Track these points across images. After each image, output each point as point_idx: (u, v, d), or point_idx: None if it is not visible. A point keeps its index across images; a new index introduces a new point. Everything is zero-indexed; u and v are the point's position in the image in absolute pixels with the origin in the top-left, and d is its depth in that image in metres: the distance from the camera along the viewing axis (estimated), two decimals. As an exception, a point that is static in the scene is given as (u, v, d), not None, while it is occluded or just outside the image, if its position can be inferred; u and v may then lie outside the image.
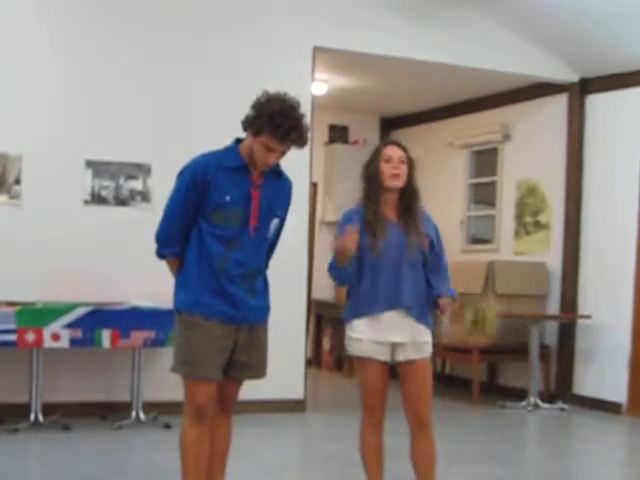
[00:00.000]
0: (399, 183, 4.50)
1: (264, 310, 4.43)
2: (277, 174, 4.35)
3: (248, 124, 4.15)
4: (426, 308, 4.58)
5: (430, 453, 4.57)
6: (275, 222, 4.36)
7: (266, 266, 4.49)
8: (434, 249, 4.60)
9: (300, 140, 4.16)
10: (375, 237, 4.46)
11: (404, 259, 4.48)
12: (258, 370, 4.41)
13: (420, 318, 4.53)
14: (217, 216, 4.17)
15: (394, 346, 4.48)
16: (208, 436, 4.33)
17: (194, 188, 4.17)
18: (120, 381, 7.74)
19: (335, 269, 4.46)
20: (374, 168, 4.53)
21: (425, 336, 4.54)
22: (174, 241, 4.28)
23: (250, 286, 4.29)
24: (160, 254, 4.36)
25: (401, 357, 4.49)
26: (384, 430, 4.65)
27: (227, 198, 4.16)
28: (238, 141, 4.31)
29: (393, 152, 4.54)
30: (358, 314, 4.52)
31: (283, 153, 4.18)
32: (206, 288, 4.20)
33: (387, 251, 4.46)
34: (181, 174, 4.28)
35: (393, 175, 4.49)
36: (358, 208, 4.58)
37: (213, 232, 4.19)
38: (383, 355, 4.49)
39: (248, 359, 4.33)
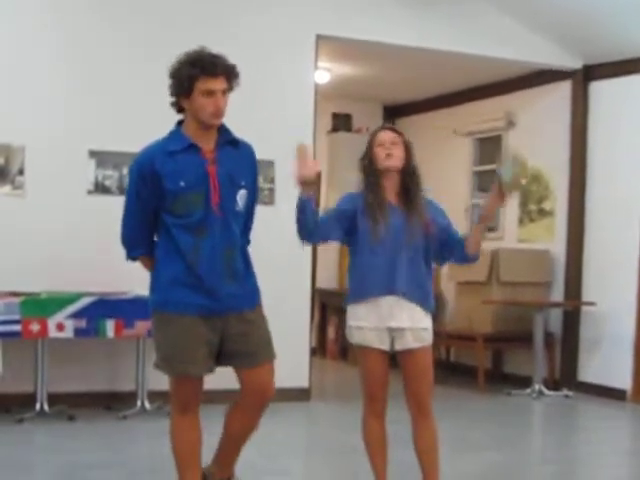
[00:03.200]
0: (392, 163, 4.47)
1: (250, 295, 4.23)
2: (233, 143, 4.16)
3: (177, 89, 4.01)
4: (427, 293, 4.57)
5: (432, 440, 4.58)
6: (242, 193, 4.13)
7: (247, 242, 4.32)
8: (444, 227, 4.59)
9: (230, 67, 4.01)
10: (376, 221, 4.45)
11: (403, 243, 4.46)
12: (262, 355, 4.22)
13: (419, 301, 4.50)
14: (177, 205, 4.00)
15: (393, 333, 4.47)
16: (197, 425, 4.25)
17: (144, 183, 4.03)
18: (125, 371, 7.75)
19: (298, 214, 4.29)
20: (369, 155, 4.53)
21: (424, 322, 4.52)
22: (139, 241, 4.18)
23: (229, 270, 4.09)
24: (130, 257, 4.26)
25: (401, 346, 4.48)
26: (387, 418, 4.65)
27: (182, 184, 3.98)
28: (179, 124, 4.18)
29: (385, 135, 4.53)
30: (357, 299, 4.52)
31: (224, 92, 4.00)
32: (178, 284, 4.05)
33: (387, 236, 4.45)
34: (129, 172, 4.16)
35: (386, 155, 4.48)
36: (359, 194, 4.55)
37: (178, 223, 4.02)
38: (383, 344, 4.48)
39: (245, 347, 4.17)
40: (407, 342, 4.48)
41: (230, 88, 4.06)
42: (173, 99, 4.10)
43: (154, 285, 4.18)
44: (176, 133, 4.13)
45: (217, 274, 4.06)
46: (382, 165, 4.49)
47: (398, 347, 4.49)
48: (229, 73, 4.01)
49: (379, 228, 4.43)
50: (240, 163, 4.17)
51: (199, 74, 3.93)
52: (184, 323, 4.06)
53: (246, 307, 4.18)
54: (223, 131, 4.15)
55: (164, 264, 4.10)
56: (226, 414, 4.35)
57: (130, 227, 4.17)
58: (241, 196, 4.14)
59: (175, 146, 4.05)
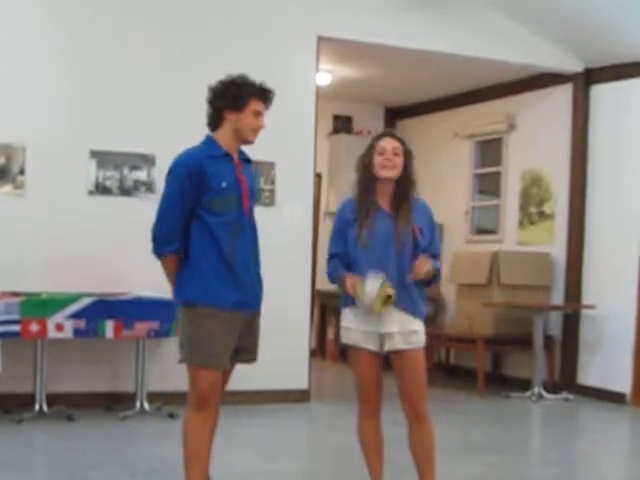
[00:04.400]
0: (389, 173, 4.52)
1: (261, 295, 4.56)
2: (248, 161, 4.58)
3: (229, 102, 4.39)
4: (416, 300, 4.57)
5: (428, 443, 4.59)
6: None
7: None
8: (424, 237, 4.58)
9: (272, 99, 4.51)
10: (362, 227, 4.49)
11: (391, 249, 4.48)
12: (253, 354, 4.54)
13: (407, 308, 4.51)
14: (216, 203, 4.32)
15: (382, 336, 4.50)
16: (213, 423, 4.41)
17: (190, 181, 4.31)
18: (124, 371, 7.75)
19: (331, 281, 4.66)
20: (367, 160, 4.57)
21: (414, 325, 4.53)
22: (174, 239, 4.36)
23: (256, 270, 4.47)
24: (158, 252, 4.41)
25: (389, 347, 4.50)
26: (383, 419, 4.66)
27: (223, 184, 4.32)
28: (211, 133, 4.51)
29: (387, 144, 4.56)
30: (348, 302, 4.56)
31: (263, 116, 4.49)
32: (217, 279, 4.31)
33: (374, 241, 4.49)
34: (172, 171, 4.40)
35: (383, 166, 4.51)
36: (350, 200, 4.65)
37: (216, 221, 4.31)
38: (372, 344, 4.52)
39: (247, 344, 4.47)
40: (395, 343, 4.50)
41: None
42: (213, 110, 4.46)
43: (192, 278, 4.34)
44: (212, 142, 4.46)
45: (249, 272, 4.40)
46: (380, 175, 4.53)
47: (387, 348, 4.52)
48: (271, 102, 4.52)
49: (364, 233, 4.47)
50: (253, 180, 4.67)
51: (257, 95, 4.42)
52: (221, 318, 4.30)
53: (257, 306, 4.52)
54: (240, 150, 4.55)
55: (203, 259, 4.32)
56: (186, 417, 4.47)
57: (169, 223, 4.36)
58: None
59: (215, 152, 4.40)
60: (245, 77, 4.46)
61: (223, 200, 4.33)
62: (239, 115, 4.39)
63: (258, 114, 4.42)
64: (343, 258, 4.59)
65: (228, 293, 4.31)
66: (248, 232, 4.43)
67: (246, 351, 4.48)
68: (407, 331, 4.51)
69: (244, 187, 4.42)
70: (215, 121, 4.46)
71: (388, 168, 4.51)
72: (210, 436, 4.42)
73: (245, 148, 4.59)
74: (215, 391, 4.36)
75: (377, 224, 4.50)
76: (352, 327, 4.54)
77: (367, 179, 4.56)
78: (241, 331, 4.40)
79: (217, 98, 4.43)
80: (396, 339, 4.49)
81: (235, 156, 4.47)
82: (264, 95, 4.45)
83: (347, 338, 4.60)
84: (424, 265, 4.43)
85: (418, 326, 4.55)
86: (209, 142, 4.45)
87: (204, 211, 4.32)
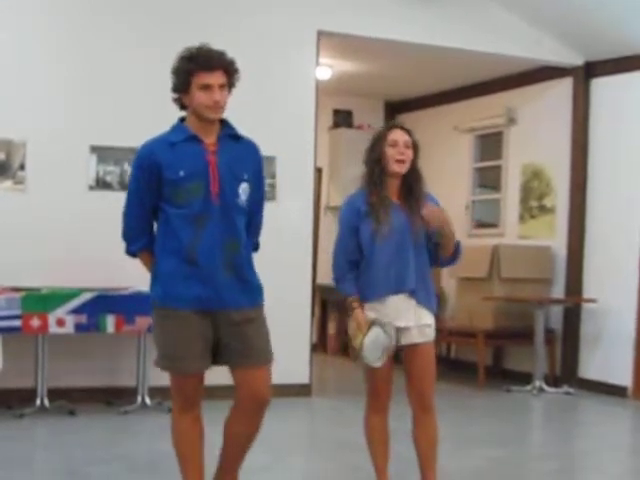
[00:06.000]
0: (403, 169, 4.49)
1: (250, 292, 4.14)
2: (235, 138, 4.16)
3: (177, 86, 4.06)
4: (431, 291, 4.58)
5: (432, 436, 4.60)
6: (244, 187, 4.10)
7: (254, 245, 4.29)
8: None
9: (227, 62, 4.04)
10: (380, 222, 4.44)
11: (408, 243, 4.47)
12: (257, 356, 4.11)
13: (424, 301, 4.53)
14: (177, 195, 3.99)
15: (399, 330, 4.49)
16: (199, 424, 4.21)
17: (143, 174, 4.05)
18: (125, 366, 7.76)
19: (341, 289, 4.55)
20: (378, 152, 4.50)
21: (428, 319, 4.55)
22: (139, 234, 4.16)
23: (229, 262, 4.04)
24: (129, 252, 4.25)
25: (405, 341, 4.50)
26: (389, 414, 4.66)
27: (181, 173, 3.98)
28: (182, 120, 4.20)
29: (399, 136, 4.51)
30: (363, 299, 4.51)
31: (222, 87, 4.02)
32: (176, 276, 4.02)
33: (392, 235, 4.45)
34: (132, 164, 4.20)
35: (397, 160, 4.47)
36: (360, 193, 4.57)
37: (178, 213, 4.00)
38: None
39: (241, 345, 4.07)
40: (412, 337, 4.50)
41: (230, 84, 4.08)
42: (175, 96, 4.14)
43: (154, 277, 4.16)
44: (178, 126, 4.16)
45: (215, 264, 4.01)
46: (393, 169, 4.48)
47: (403, 342, 4.50)
48: (226, 68, 4.03)
49: (383, 228, 4.43)
50: (242, 157, 4.14)
51: (195, 69, 3.98)
52: (181, 318, 4.02)
53: (246, 304, 4.10)
54: (225, 126, 4.15)
55: (163, 257, 4.08)
56: (225, 420, 4.26)
57: (130, 219, 4.16)
58: (243, 190, 4.10)
59: (176, 137, 4.08)
60: (187, 50, 4.04)
61: (184, 190, 3.97)
62: (189, 96, 4.02)
63: (206, 87, 3.96)
64: (356, 263, 4.52)
65: (187, 291, 3.99)
66: (219, 221, 4.00)
67: (239, 354, 4.07)
68: (422, 325, 4.51)
69: (212, 170, 4.00)
70: (181, 107, 4.15)
71: (402, 163, 4.47)
72: (199, 437, 4.21)
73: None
74: (194, 394, 4.14)
75: (393, 218, 4.47)
76: None
77: (378, 173, 4.49)
78: (221, 331, 4.05)
79: (172, 83, 4.09)
80: (413, 333, 4.49)
81: (208, 138, 4.06)
82: (204, 64, 3.97)
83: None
84: (436, 210, 4.43)
85: (431, 320, 4.56)
86: (175, 128, 4.14)
87: (166, 204, 4.02)
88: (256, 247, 4.32)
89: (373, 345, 4.34)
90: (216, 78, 3.99)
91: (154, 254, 4.14)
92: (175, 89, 4.10)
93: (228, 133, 4.14)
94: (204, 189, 4.00)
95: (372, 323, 4.37)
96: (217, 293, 4.02)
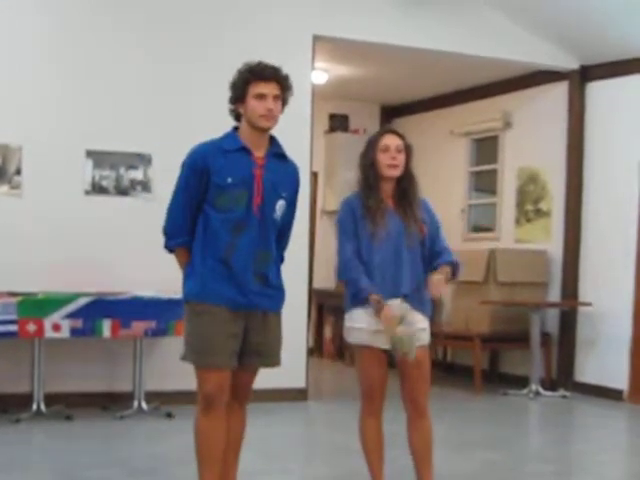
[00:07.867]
0: (396, 173, 4.52)
1: (276, 298, 4.40)
2: (282, 157, 4.39)
3: (233, 96, 4.28)
4: (425, 298, 4.59)
5: (427, 440, 4.61)
6: (281, 204, 4.34)
7: (280, 258, 4.49)
8: (432, 236, 4.60)
9: (281, 75, 4.28)
10: (376, 225, 4.46)
11: (403, 247, 4.49)
12: (271, 358, 4.39)
13: (418, 306, 4.54)
14: (221, 199, 4.21)
15: None
16: (223, 425, 4.29)
17: (194, 175, 4.23)
18: (122, 371, 7.75)
19: (351, 289, 4.53)
20: (371, 157, 4.54)
21: (422, 323, 4.55)
22: (180, 232, 4.31)
23: (259, 271, 4.28)
24: (168, 246, 4.38)
25: None
26: (384, 418, 4.67)
27: (229, 180, 4.20)
28: (236, 129, 4.36)
29: (390, 141, 4.54)
30: (358, 303, 4.52)
31: (276, 98, 4.25)
32: (212, 275, 4.22)
33: (387, 239, 4.47)
34: (182, 165, 4.33)
35: (389, 165, 4.50)
36: (356, 195, 4.59)
37: (220, 217, 4.21)
38: (382, 343, 4.49)
39: (261, 347, 4.32)
40: None
41: (283, 98, 4.33)
42: (231, 107, 4.34)
43: (191, 274, 4.30)
44: (231, 135, 4.35)
45: (247, 270, 4.24)
46: (385, 173, 4.51)
47: None
48: (281, 81, 4.29)
49: (379, 231, 4.45)
50: (284, 176, 4.38)
51: (252, 78, 4.24)
52: (217, 314, 4.21)
53: (270, 309, 4.35)
54: (274, 144, 4.38)
55: (201, 254, 4.25)
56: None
57: (174, 216, 4.33)
58: (280, 206, 4.35)
59: (229, 145, 4.28)
60: (246, 64, 4.32)
61: (228, 196, 4.20)
62: (244, 105, 4.25)
63: (261, 96, 4.20)
64: (359, 256, 4.52)
65: (223, 290, 4.20)
66: (256, 231, 4.24)
67: (259, 354, 4.32)
68: (417, 329, 4.51)
69: (257, 182, 4.24)
70: (236, 118, 4.35)
71: (395, 167, 4.50)
72: (221, 439, 4.29)
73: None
74: (220, 391, 4.23)
75: (389, 222, 4.49)
76: (363, 327, 4.50)
77: (372, 178, 4.53)
78: (248, 331, 4.27)
79: (230, 97, 4.32)
80: None
81: (258, 152, 4.29)
82: (260, 74, 4.24)
83: (355, 338, 4.56)
84: (439, 284, 4.44)
85: (425, 324, 4.58)
86: (229, 135, 4.33)
87: (209, 206, 4.23)
88: (282, 260, 4.53)
89: (409, 339, 4.38)
90: (270, 88, 4.24)
91: (190, 252, 4.31)
92: (232, 100, 4.31)
93: (276, 151, 4.37)
94: (247, 199, 4.23)
95: (401, 318, 4.40)
96: (247, 297, 4.25)
